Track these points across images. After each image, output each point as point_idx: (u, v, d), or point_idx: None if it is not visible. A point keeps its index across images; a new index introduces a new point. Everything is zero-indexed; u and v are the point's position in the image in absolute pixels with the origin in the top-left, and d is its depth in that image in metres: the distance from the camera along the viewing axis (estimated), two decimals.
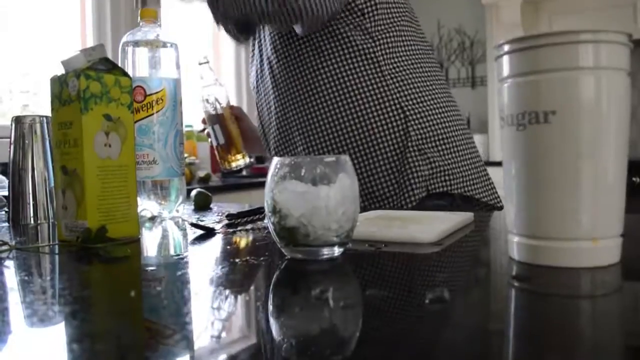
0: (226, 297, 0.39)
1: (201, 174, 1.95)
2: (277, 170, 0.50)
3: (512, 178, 0.45)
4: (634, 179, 2.39)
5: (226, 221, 0.75)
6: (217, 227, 0.72)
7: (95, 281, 0.47)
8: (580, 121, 0.41)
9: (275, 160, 0.51)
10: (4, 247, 0.58)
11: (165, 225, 0.78)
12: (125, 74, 0.65)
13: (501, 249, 0.49)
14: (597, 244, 0.42)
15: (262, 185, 0.57)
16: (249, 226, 0.72)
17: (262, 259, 0.51)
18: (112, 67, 0.65)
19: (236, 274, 0.46)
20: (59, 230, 0.64)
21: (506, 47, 0.45)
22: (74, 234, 0.61)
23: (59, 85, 0.63)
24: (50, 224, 0.82)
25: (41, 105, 2.12)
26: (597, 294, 0.39)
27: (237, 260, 0.51)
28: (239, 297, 0.39)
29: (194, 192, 1.02)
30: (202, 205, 0.99)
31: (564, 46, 0.41)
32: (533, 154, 0.43)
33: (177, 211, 0.86)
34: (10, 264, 0.52)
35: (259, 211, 0.84)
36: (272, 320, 0.34)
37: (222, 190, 1.83)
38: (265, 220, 0.51)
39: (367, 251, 0.53)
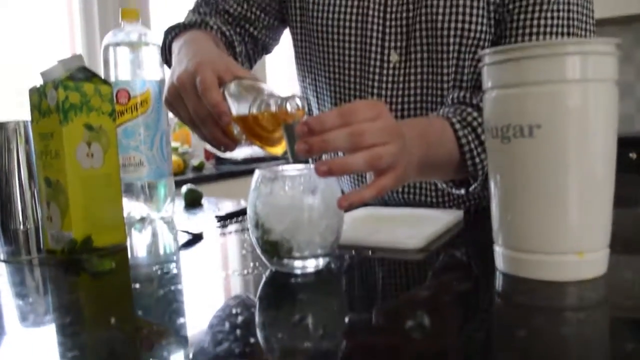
0: (212, 316, 0.39)
1: (194, 162, 1.93)
2: (258, 183, 0.49)
3: (498, 190, 0.45)
4: (630, 155, 2.39)
5: (214, 223, 0.74)
6: (206, 228, 0.71)
7: (75, 300, 0.47)
8: (565, 135, 0.40)
9: (257, 173, 0.50)
10: None
11: (154, 226, 0.77)
12: (106, 82, 0.64)
13: (487, 256, 0.48)
14: (582, 258, 0.42)
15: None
16: (237, 227, 0.72)
17: (246, 271, 0.50)
18: (91, 75, 0.63)
19: (221, 289, 0.46)
20: (46, 241, 0.63)
21: (490, 58, 0.44)
22: (60, 245, 0.61)
23: (37, 96, 0.62)
24: (40, 227, 0.81)
25: None
26: (583, 306, 0.39)
27: (222, 273, 0.51)
28: (222, 313, 0.39)
29: (184, 189, 1.01)
30: (192, 202, 0.99)
31: (550, 58, 0.40)
32: (518, 168, 0.43)
33: (167, 211, 0.85)
34: None
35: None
36: (259, 337, 0.34)
37: (215, 179, 1.82)
38: (250, 232, 0.50)
39: (352, 261, 0.53)
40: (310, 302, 0.43)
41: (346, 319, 0.38)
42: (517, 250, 0.44)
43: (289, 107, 0.54)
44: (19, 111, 2.12)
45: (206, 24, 0.80)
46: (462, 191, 0.74)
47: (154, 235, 0.72)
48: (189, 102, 0.61)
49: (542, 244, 0.42)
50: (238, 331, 0.35)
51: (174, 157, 1.81)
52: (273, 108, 0.54)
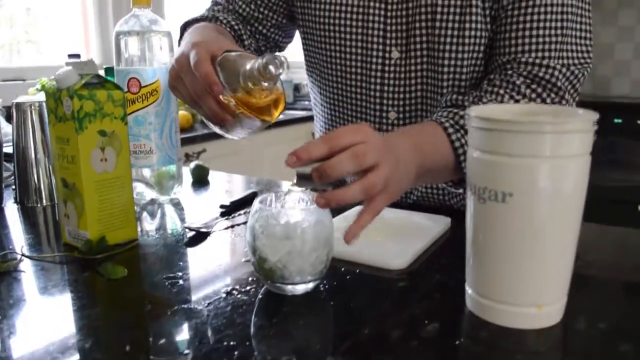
0: (212, 330, 0.45)
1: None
2: (257, 213, 0.54)
3: (471, 241, 0.49)
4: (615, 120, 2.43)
5: (219, 218, 0.79)
6: (211, 218, 0.77)
7: (88, 309, 0.53)
8: (535, 206, 0.44)
9: (256, 202, 0.55)
10: (14, 260, 0.63)
11: (163, 215, 0.83)
12: (117, 87, 0.67)
13: (460, 284, 0.53)
14: (541, 310, 0.47)
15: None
16: (241, 220, 0.78)
17: (246, 288, 0.56)
18: (104, 81, 0.66)
19: (219, 306, 0.52)
20: (63, 234, 0.69)
21: (473, 122, 0.47)
22: (77, 241, 0.67)
23: (54, 102, 0.65)
24: (55, 205, 0.87)
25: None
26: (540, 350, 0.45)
27: (222, 288, 0.57)
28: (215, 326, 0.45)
29: (192, 165, 1.06)
30: (199, 179, 1.04)
31: (527, 134, 0.43)
32: (489, 227, 0.47)
33: (175, 193, 0.90)
34: (21, 276, 0.58)
35: (252, 198, 0.89)
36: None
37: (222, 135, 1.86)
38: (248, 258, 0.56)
39: (338, 282, 0.58)
40: (295, 325, 0.49)
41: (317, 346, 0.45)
42: (483, 297, 0.49)
43: (271, 68, 0.58)
44: (29, 49, 2.14)
45: (217, 18, 0.83)
46: (461, 190, 0.77)
47: (162, 229, 0.77)
48: (187, 79, 0.66)
49: (505, 295, 0.47)
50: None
51: (183, 112, 1.83)
52: (256, 71, 0.59)
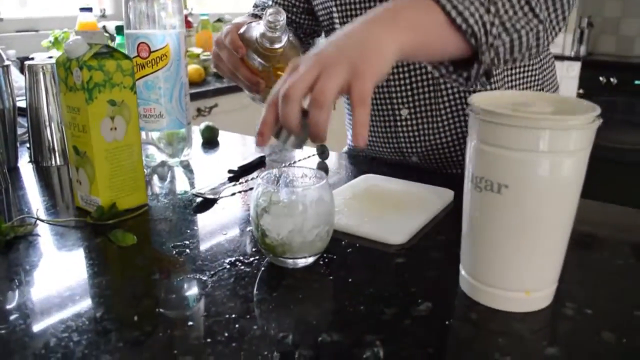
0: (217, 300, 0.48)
1: (215, 69, 1.96)
2: (259, 188, 0.55)
3: (466, 224, 0.51)
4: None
5: (227, 183, 0.81)
6: (219, 183, 0.79)
7: (100, 272, 0.56)
8: (529, 200, 0.45)
9: (259, 181, 0.56)
10: (30, 224, 0.66)
11: (173, 177, 0.85)
12: (126, 57, 0.68)
13: (456, 263, 0.54)
14: (529, 296, 0.49)
15: None
16: (249, 185, 0.80)
17: (249, 260, 0.59)
18: (112, 51, 0.67)
19: (223, 277, 0.55)
20: (76, 199, 0.72)
21: (475, 110, 0.47)
22: (89, 206, 0.69)
23: (64, 71, 0.66)
24: (68, 166, 0.89)
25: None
26: (524, 334, 0.47)
27: (226, 258, 0.59)
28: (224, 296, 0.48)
29: (202, 126, 1.07)
30: (209, 140, 1.05)
31: (524, 129, 0.44)
32: (483, 215, 0.48)
33: (185, 155, 0.92)
34: (37, 240, 0.62)
35: (260, 162, 0.90)
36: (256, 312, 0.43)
37: (235, 89, 1.86)
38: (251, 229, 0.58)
39: (339, 256, 0.60)
40: (294, 299, 0.51)
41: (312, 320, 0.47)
42: (475, 279, 0.51)
43: (272, 17, 0.68)
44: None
45: (255, 15, 0.95)
46: (473, 87, 0.66)
47: (172, 194, 0.79)
48: (223, 55, 0.76)
49: (495, 280, 0.49)
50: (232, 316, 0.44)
51: (195, 66, 1.82)
52: (264, 26, 0.70)
